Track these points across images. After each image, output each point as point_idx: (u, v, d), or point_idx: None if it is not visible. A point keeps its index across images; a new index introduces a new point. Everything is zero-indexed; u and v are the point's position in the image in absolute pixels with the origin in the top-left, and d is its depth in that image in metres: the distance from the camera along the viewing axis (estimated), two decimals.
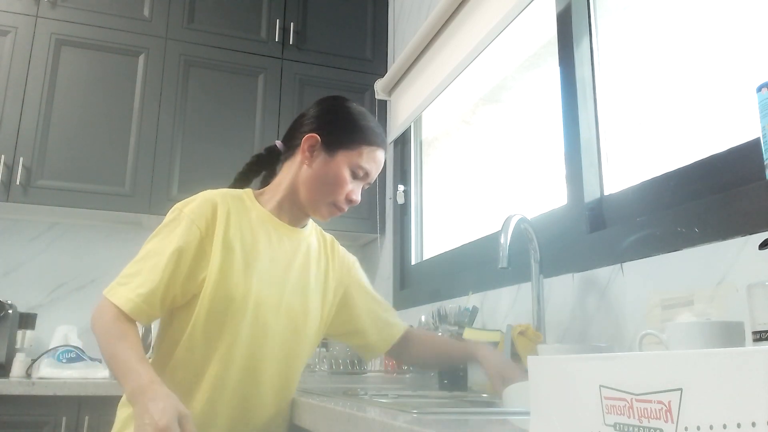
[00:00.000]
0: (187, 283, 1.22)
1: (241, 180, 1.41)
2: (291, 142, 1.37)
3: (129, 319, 1.16)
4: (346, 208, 1.34)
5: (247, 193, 1.36)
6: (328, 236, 1.49)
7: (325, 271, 1.42)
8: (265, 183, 1.41)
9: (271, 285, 1.28)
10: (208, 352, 1.23)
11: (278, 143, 1.41)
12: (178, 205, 1.28)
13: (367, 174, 1.33)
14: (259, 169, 1.42)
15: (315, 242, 1.42)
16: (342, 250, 1.50)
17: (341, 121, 1.34)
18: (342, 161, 1.30)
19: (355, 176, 1.32)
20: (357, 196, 1.34)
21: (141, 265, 1.20)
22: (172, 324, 1.26)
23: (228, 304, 1.22)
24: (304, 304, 1.33)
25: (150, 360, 1.20)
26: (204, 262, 1.23)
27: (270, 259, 1.29)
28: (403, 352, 1.50)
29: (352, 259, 1.53)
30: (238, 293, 1.23)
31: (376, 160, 1.34)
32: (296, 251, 1.35)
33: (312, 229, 1.44)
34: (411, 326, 1.51)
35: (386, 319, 1.49)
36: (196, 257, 1.22)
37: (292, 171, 1.34)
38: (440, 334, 1.66)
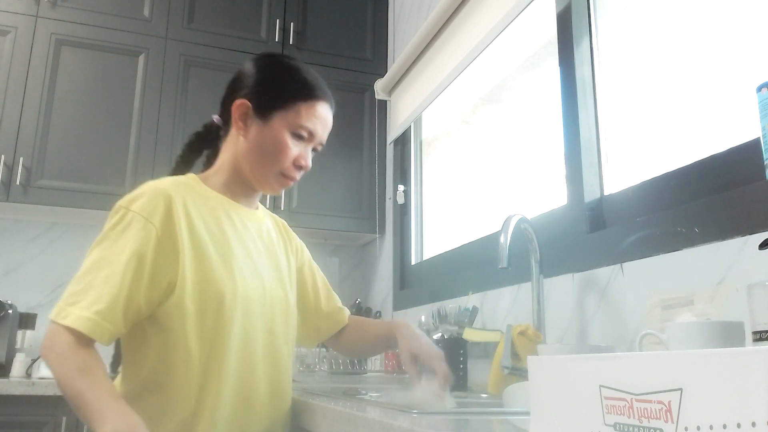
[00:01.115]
0: (151, 290, 1.06)
1: (183, 164, 1.27)
2: (225, 114, 1.23)
3: (87, 343, 1.00)
4: (296, 175, 1.21)
5: (192, 178, 1.22)
6: (279, 218, 1.40)
7: (286, 253, 1.32)
8: (209, 164, 1.28)
9: (251, 274, 1.16)
10: (206, 363, 1.09)
11: (215, 117, 1.27)
12: (121, 202, 1.11)
13: (311, 133, 1.20)
14: (200, 148, 1.29)
15: (271, 224, 1.32)
16: (291, 230, 1.41)
17: (270, 81, 1.20)
18: (279, 124, 1.17)
19: (298, 138, 1.19)
20: (307, 161, 1.21)
21: (90, 279, 1.03)
22: (148, 342, 1.09)
23: (218, 304, 1.09)
24: (283, 287, 1.24)
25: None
26: (167, 265, 1.07)
27: (241, 246, 1.18)
28: (339, 340, 1.43)
29: (301, 242, 1.42)
30: (227, 290, 1.10)
31: (317, 115, 1.20)
32: (260, 235, 1.25)
33: (263, 211, 1.33)
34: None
35: (335, 304, 1.41)
36: (156, 260, 1.06)
37: (232, 146, 1.22)
38: (440, 334, 1.66)
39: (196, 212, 1.14)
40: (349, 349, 1.47)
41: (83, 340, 0.99)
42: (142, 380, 1.09)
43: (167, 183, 1.15)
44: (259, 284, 1.18)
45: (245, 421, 1.13)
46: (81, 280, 1.03)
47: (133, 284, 1.04)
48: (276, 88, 1.19)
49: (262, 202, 1.46)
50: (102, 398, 0.94)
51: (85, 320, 0.99)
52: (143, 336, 1.10)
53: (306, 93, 1.19)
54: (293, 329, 1.26)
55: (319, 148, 1.24)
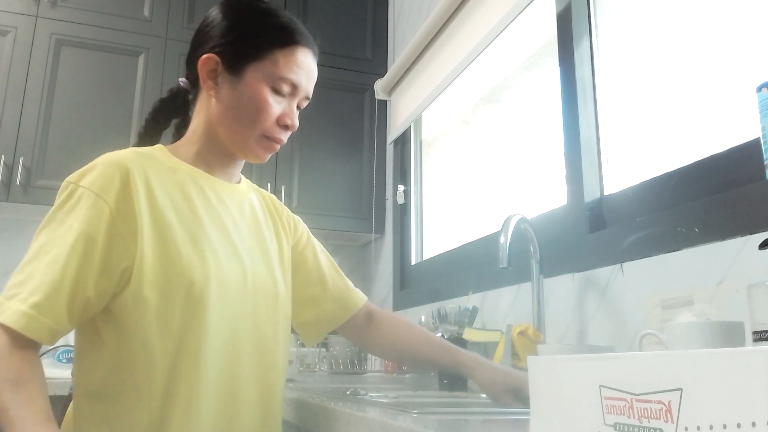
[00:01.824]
0: (103, 279, 0.90)
1: (147, 137, 1.12)
2: (192, 74, 1.06)
3: (25, 345, 0.85)
4: (282, 136, 1.04)
5: (159, 149, 1.05)
6: (266, 192, 1.21)
7: (275, 232, 1.14)
8: (179, 135, 1.12)
9: (228, 256, 0.99)
10: (171, 364, 0.92)
11: (182, 80, 1.11)
12: (70, 177, 0.94)
13: (294, 85, 1.03)
14: (166, 117, 1.13)
15: (256, 200, 1.15)
16: (283, 205, 1.23)
17: (241, 28, 1.03)
18: (254, 78, 1.00)
19: (278, 92, 1.02)
20: (293, 119, 1.04)
21: (32, 267, 0.88)
22: (102, 340, 0.93)
23: (186, 292, 0.92)
24: (270, 270, 1.07)
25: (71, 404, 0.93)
26: (122, 248, 0.91)
27: (216, 225, 1.01)
28: (366, 334, 1.22)
29: (296, 217, 1.24)
30: (196, 275, 0.93)
31: (299, 63, 1.02)
32: (242, 212, 1.08)
33: (248, 184, 1.16)
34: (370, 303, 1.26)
35: (345, 285, 1.22)
36: (109, 243, 0.90)
37: (203, 110, 1.05)
38: (440, 334, 1.66)
39: (160, 186, 0.97)
40: (379, 348, 1.25)
41: (20, 341, 0.84)
42: (95, 387, 0.94)
43: (126, 153, 0.97)
44: (239, 267, 1.00)
45: (229, 429, 0.97)
46: (23, 270, 0.89)
47: (80, 271, 0.88)
48: (248, 35, 1.02)
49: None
50: (28, 421, 0.80)
51: (20, 316, 0.84)
52: (95, 333, 0.94)
53: (283, 38, 1.02)
54: (285, 321, 1.08)
55: (305, 103, 1.07)
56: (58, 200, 0.94)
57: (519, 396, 1.04)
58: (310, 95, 1.08)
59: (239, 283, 1.00)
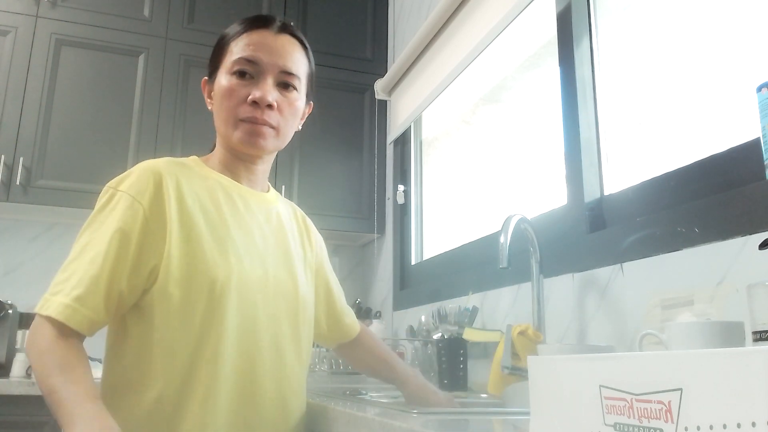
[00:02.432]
0: (134, 275, 0.96)
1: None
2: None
3: (69, 335, 0.91)
4: (258, 114, 1.06)
5: (193, 159, 1.14)
6: (298, 210, 1.29)
7: (302, 244, 1.21)
8: (213, 147, 1.21)
9: (251, 258, 1.05)
10: (191, 359, 0.96)
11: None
12: (110, 183, 1.03)
13: (254, 62, 1.06)
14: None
15: (285, 211, 1.21)
16: (312, 224, 1.31)
17: (214, 48, 1.14)
18: (219, 76, 1.09)
19: (242, 76, 1.06)
20: (263, 94, 1.05)
21: (76, 265, 0.95)
22: (128, 334, 0.99)
23: (209, 290, 0.97)
24: (292, 275, 1.11)
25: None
26: (153, 247, 0.97)
27: (241, 229, 1.07)
28: (350, 354, 1.37)
29: (321, 237, 1.32)
30: (219, 273, 0.99)
31: (254, 41, 1.07)
32: (268, 218, 1.14)
33: (276, 196, 1.22)
34: (363, 326, 1.38)
35: (342, 313, 1.32)
36: (142, 241, 0.97)
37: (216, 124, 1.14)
38: (440, 334, 1.66)
39: (190, 191, 1.04)
40: (356, 366, 1.44)
41: (65, 332, 0.91)
42: (119, 379, 0.99)
43: (160, 162, 1.06)
44: (261, 270, 1.05)
45: (245, 427, 1.00)
46: (67, 268, 0.96)
47: (116, 265, 0.94)
48: (216, 48, 1.13)
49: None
50: (76, 398, 0.84)
51: (64, 308, 0.90)
52: (123, 327, 1.00)
53: (234, 32, 1.10)
54: (306, 324, 1.13)
55: (289, 78, 1.09)
56: (98, 204, 1.02)
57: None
58: (289, 68, 1.09)
59: (260, 284, 1.05)
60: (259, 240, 1.09)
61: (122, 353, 1.00)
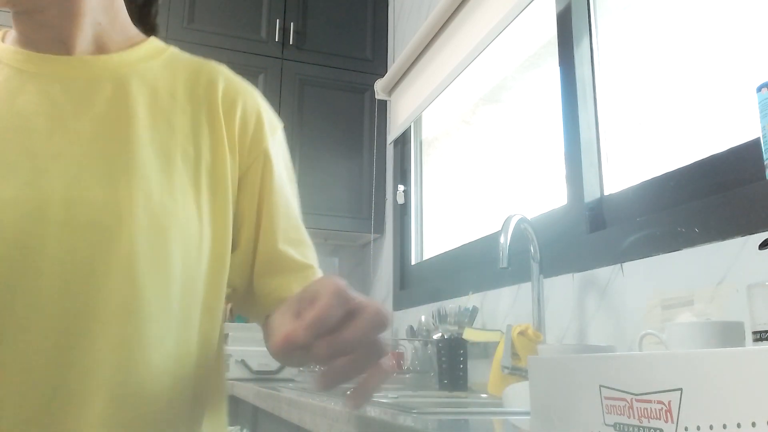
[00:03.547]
0: None
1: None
2: None
3: None
4: None
5: None
6: (214, 64, 0.88)
7: (192, 129, 0.76)
8: None
9: (16, 174, 0.65)
10: None
11: None
12: None
13: None
14: None
15: (165, 78, 0.79)
16: (249, 92, 0.86)
17: None
18: None
19: None
20: None
21: None
22: None
23: None
24: (129, 191, 0.67)
25: None
26: None
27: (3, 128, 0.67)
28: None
29: (277, 123, 0.86)
30: None
31: None
32: (83, 99, 0.71)
33: (156, 53, 0.82)
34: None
35: (274, 268, 0.82)
36: None
37: None
38: (440, 334, 1.66)
39: None
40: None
41: None
42: None
43: None
44: (31, 191, 0.64)
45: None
46: None
47: None
48: None
49: None
50: None
51: None
52: None
53: None
54: (173, 275, 0.68)
55: None
56: None
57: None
58: None
59: (30, 217, 0.63)
60: (45, 140, 0.67)
61: None
